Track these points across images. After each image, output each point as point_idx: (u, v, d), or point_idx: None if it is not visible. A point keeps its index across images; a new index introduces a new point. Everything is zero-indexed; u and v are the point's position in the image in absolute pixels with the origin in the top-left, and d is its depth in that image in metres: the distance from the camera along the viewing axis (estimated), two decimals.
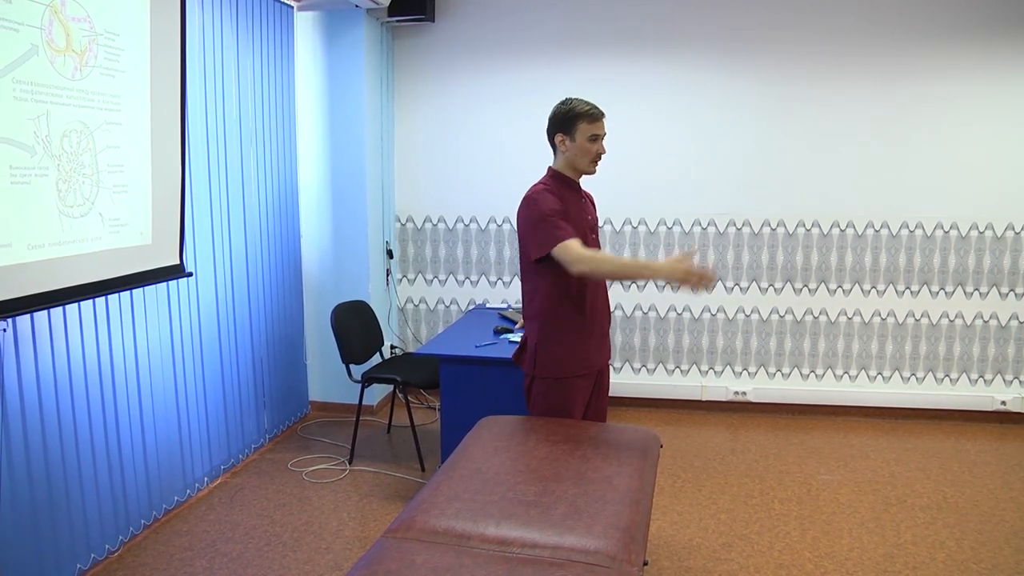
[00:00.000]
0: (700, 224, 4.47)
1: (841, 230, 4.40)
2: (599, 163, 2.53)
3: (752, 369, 4.58)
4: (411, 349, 4.83)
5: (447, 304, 4.83)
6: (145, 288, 2.95)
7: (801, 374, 4.56)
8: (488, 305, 4.58)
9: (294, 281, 4.28)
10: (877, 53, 4.22)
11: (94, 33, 2.47)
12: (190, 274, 3.16)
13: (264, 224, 3.90)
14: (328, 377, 4.47)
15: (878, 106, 4.25)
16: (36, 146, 2.25)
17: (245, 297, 3.73)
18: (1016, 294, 4.32)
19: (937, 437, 4.17)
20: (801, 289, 4.48)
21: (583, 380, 2.54)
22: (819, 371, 4.54)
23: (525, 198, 2.50)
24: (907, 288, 4.40)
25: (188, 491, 3.30)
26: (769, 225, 4.44)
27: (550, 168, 2.56)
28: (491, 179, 4.61)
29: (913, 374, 4.46)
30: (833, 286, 4.46)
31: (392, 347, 4.74)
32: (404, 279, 4.86)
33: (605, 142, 2.50)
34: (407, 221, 4.79)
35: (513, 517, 1.78)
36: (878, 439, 4.14)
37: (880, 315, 4.44)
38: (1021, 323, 4.34)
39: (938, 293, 4.38)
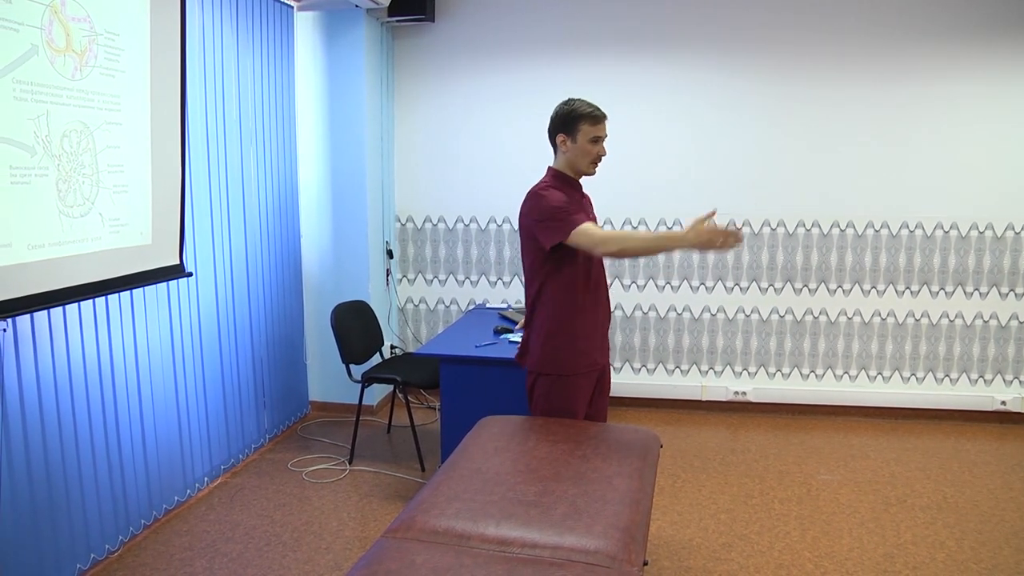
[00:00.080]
0: None
1: (841, 230, 4.40)
2: (599, 165, 2.53)
3: (752, 369, 4.58)
4: (411, 349, 4.83)
5: (447, 304, 4.83)
6: (145, 288, 2.95)
7: (801, 374, 4.56)
8: (488, 305, 4.58)
9: (294, 281, 4.28)
10: (877, 53, 4.22)
11: (94, 33, 2.47)
12: (190, 274, 3.16)
13: (264, 224, 3.90)
14: (328, 377, 4.47)
15: (878, 106, 4.25)
16: (36, 146, 2.25)
17: (245, 297, 3.73)
18: (1016, 294, 4.32)
19: (937, 437, 4.17)
20: (801, 289, 4.48)
21: (586, 379, 2.54)
22: (819, 371, 4.54)
23: (530, 194, 2.49)
24: (907, 288, 4.40)
25: (188, 491, 3.30)
26: (769, 225, 4.44)
27: (551, 168, 2.56)
28: (491, 179, 4.62)
29: (913, 374, 4.47)
30: (833, 286, 4.46)
31: (392, 347, 4.74)
32: (404, 279, 4.86)
33: (605, 143, 2.51)
34: (407, 221, 4.79)
35: (513, 517, 1.78)
36: (878, 439, 4.14)
37: (880, 315, 4.44)
38: (1021, 323, 4.34)
39: (938, 293, 4.38)
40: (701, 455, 3.89)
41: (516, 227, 4.62)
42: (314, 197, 4.38)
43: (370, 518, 3.20)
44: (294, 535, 3.04)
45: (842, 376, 4.52)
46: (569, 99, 2.50)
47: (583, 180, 2.58)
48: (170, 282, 3.11)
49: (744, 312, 4.54)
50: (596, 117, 2.45)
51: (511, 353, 3.13)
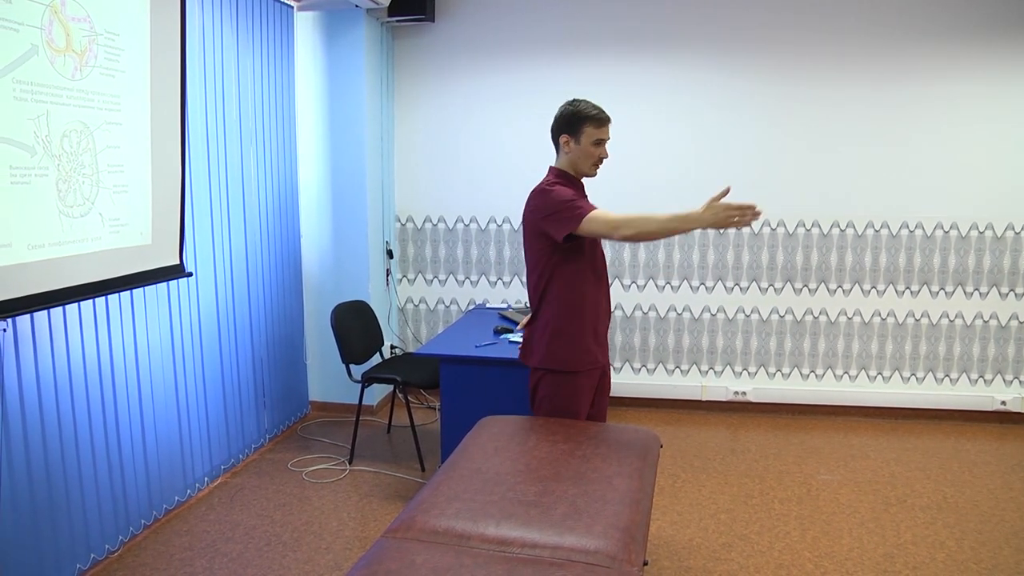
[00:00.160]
0: None
1: (841, 230, 4.40)
2: (600, 167, 2.53)
3: (752, 369, 4.58)
4: (411, 349, 4.83)
5: (447, 304, 4.83)
6: (145, 288, 2.95)
7: (801, 374, 4.56)
8: (488, 305, 4.58)
9: (294, 281, 4.28)
10: (877, 53, 4.22)
11: (94, 33, 2.47)
12: (190, 274, 3.16)
13: (264, 224, 3.90)
14: (328, 377, 4.47)
15: (878, 106, 4.25)
16: (36, 146, 2.25)
17: (245, 297, 3.73)
18: (1016, 294, 4.32)
19: (937, 437, 4.17)
20: (801, 289, 4.48)
21: (589, 378, 2.55)
22: (819, 371, 4.54)
23: (537, 191, 2.48)
24: (907, 288, 4.40)
25: (188, 491, 3.30)
26: (769, 225, 4.44)
27: (554, 168, 2.55)
28: (491, 179, 4.62)
29: (913, 374, 4.47)
30: (833, 286, 4.46)
31: (392, 347, 4.74)
32: (404, 279, 4.86)
33: (607, 146, 2.50)
34: (407, 221, 4.79)
35: (513, 517, 1.78)
36: (878, 439, 4.14)
37: (880, 315, 4.44)
38: (1021, 323, 4.34)
39: (938, 293, 4.38)
40: (701, 455, 3.89)
41: (516, 227, 4.63)
42: (314, 197, 4.38)
43: (370, 518, 3.20)
44: (294, 535, 3.04)
45: (842, 376, 4.52)
46: (574, 100, 2.49)
47: (583, 180, 2.58)
48: (170, 282, 3.11)
49: (744, 312, 4.54)
50: (601, 120, 2.45)
51: (511, 353, 3.14)
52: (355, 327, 3.88)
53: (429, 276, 4.82)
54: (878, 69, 4.23)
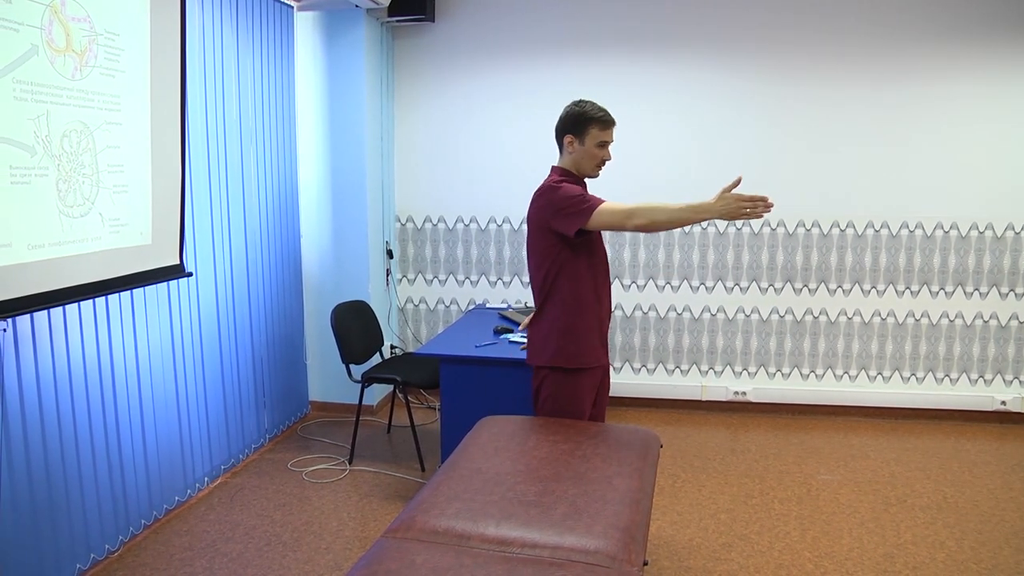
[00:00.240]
0: (700, 224, 4.47)
1: (841, 230, 4.40)
2: (603, 169, 2.53)
3: (752, 369, 4.58)
4: (411, 349, 4.83)
5: (447, 304, 4.83)
6: (145, 288, 2.95)
7: (801, 374, 4.56)
8: (488, 305, 4.58)
9: (294, 281, 4.28)
10: (877, 53, 4.22)
11: (94, 33, 2.47)
12: (190, 274, 3.16)
13: (264, 224, 3.90)
14: (328, 377, 4.47)
15: (878, 106, 4.25)
16: (36, 146, 2.25)
17: (245, 297, 3.73)
18: (1016, 294, 4.32)
19: (937, 437, 4.17)
20: (801, 289, 4.48)
21: (591, 377, 2.55)
22: (819, 371, 4.54)
23: (543, 189, 2.47)
24: (907, 288, 4.40)
25: (188, 491, 3.30)
26: (769, 225, 4.44)
27: (557, 167, 2.55)
28: (491, 179, 4.62)
29: (913, 374, 4.47)
30: (833, 286, 4.46)
31: (392, 347, 4.74)
32: (404, 279, 4.86)
33: (610, 148, 2.51)
34: (407, 221, 4.79)
35: (513, 517, 1.78)
36: (878, 439, 4.14)
37: (880, 315, 4.44)
38: (1021, 323, 4.34)
39: (938, 293, 4.38)
40: (701, 455, 3.89)
41: (516, 227, 4.63)
42: (314, 197, 4.38)
43: (370, 518, 3.20)
44: (294, 535, 3.04)
45: (842, 376, 4.52)
46: (580, 100, 2.49)
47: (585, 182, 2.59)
48: (170, 282, 3.11)
49: (744, 312, 4.54)
50: (606, 122, 2.45)
51: (511, 353, 3.14)
52: (355, 327, 3.88)
53: (429, 276, 4.82)
54: (878, 69, 4.23)
